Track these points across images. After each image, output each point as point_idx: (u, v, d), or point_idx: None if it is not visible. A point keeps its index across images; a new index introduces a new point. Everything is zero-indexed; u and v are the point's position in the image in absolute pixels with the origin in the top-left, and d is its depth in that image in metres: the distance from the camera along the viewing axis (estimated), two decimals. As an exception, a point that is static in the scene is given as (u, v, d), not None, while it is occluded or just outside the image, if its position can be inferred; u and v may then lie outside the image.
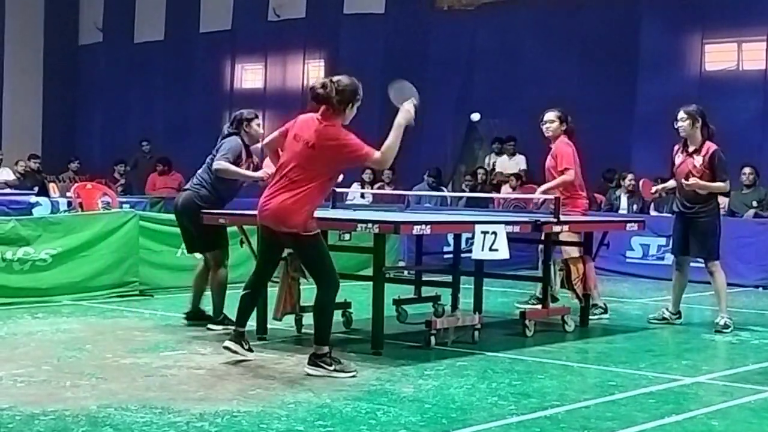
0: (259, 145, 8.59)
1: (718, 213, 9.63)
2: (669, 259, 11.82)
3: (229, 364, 7.18)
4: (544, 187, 10.11)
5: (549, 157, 10.19)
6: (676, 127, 9.51)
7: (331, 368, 6.86)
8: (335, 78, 7.03)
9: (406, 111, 7.06)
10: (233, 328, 7.37)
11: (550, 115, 10.20)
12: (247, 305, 7.31)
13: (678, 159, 9.57)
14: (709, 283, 9.74)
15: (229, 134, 8.78)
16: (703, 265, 9.64)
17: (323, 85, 6.95)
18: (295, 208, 6.84)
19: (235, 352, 7.21)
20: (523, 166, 17.41)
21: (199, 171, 8.84)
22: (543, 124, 10.20)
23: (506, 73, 18.50)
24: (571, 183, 10.03)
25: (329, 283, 7.01)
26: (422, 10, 19.82)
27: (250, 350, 7.31)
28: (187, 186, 8.99)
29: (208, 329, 8.61)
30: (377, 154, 6.87)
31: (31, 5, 23.87)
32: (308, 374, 6.84)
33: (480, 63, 19.02)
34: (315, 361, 6.90)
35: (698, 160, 9.38)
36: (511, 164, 17.73)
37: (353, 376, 6.82)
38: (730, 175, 9.56)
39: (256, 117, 8.93)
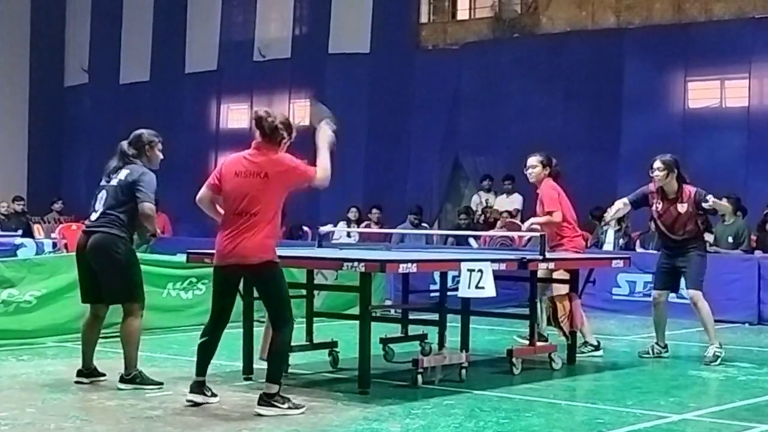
0: None
1: (704, 247, 10.09)
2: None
3: (214, 405, 7.14)
4: (532, 220, 10.17)
5: (538, 201, 10.23)
6: (651, 175, 9.73)
7: (285, 406, 6.86)
8: (272, 112, 7.14)
9: (327, 132, 7.21)
10: (195, 378, 7.14)
11: (533, 160, 10.21)
12: (207, 353, 7.19)
13: (660, 206, 9.77)
14: (695, 318, 9.80)
15: (131, 161, 8.29)
16: (688, 301, 9.77)
17: (268, 114, 7.06)
18: (263, 241, 6.90)
19: (201, 403, 7.08)
20: (519, 206, 17.35)
21: (106, 207, 7.88)
22: (526, 170, 10.25)
23: (491, 111, 18.56)
24: (564, 224, 10.02)
25: (287, 321, 7.01)
26: (407, 50, 19.91)
27: (213, 395, 7.20)
28: (97, 225, 7.83)
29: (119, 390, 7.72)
30: (319, 173, 7.02)
31: (17, 47, 23.93)
32: (259, 414, 6.77)
33: (464, 101, 19.06)
34: (267, 400, 6.86)
35: (682, 207, 9.66)
36: (507, 203, 17.69)
37: (302, 413, 6.84)
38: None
39: (160, 141, 8.42)
